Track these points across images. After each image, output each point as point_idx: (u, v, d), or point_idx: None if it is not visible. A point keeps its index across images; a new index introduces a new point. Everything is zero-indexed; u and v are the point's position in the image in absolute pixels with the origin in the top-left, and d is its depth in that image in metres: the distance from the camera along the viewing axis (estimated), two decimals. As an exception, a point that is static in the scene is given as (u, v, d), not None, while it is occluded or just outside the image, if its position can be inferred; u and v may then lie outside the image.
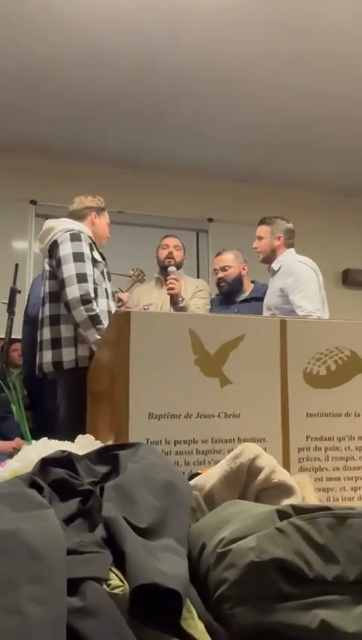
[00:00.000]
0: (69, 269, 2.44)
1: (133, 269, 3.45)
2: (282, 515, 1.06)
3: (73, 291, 2.40)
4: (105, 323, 2.38)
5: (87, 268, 2.46)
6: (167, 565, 0.87)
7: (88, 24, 3.49)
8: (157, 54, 3.75)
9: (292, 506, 1.08)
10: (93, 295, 2.42)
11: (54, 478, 1.21)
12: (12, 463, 1.54)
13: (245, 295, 3.50)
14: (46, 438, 1.69)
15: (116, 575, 0.84)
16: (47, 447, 1.55)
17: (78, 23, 3.49)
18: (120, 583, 0.83)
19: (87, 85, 4.06)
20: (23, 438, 2.11)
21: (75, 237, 2.52)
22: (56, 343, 2.48)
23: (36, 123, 4.52)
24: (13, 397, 1.82)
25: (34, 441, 1.71)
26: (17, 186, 4.81)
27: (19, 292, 3.00)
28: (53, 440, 1.66)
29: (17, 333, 3.21)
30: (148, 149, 4.90)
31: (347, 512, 1.04)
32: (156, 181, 5.14)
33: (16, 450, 1.76)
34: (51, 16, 3.43)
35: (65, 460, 1.28)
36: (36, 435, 1.74)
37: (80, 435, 1.75)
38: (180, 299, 3.19)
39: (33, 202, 4.94)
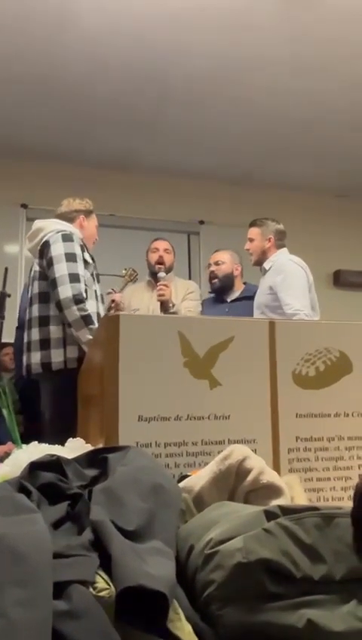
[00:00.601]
0: (61, 269, 2.43)
1: (125, 269, 3.45)
2: (269, 515, 1.06)
3: (65, 291, 2.39)
4: (97, 324, 2.38)
5: (80, 268, 2.46)
6: (153, 567, 0.87)
7: (83, 29, 3.49)
8: (148, 59, 3.76)
9: (280, 507, 1.09)
10: (85, 295, 2.42)
11: (43, 482, 1.21)
12: (2, 468, 1.54)
13: (236, 294, 3.52)
14: (36, 442, 1.70)
15: (102, 578, 0.85)
16: (37, 451, 1.56)
17: (74, 28, 3.49)
18: (106, 586, 0.83)
19: (79, 89, 4.06)
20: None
21: (67, 237, 2.52)
22: (45, 344, 2.47)
23: (27, 126, 4.51)
24: (3, 401, 1.82)
25: (24, 446, 1.71)
26: (8, 189, 4.80)
27: (9, 296, 3.00)
28: (44, 444, 1.66)
29: (7, 338, 3.20)
30: (140, 152, 4.90)
31: (334, 511, 1.05)
32: (147, 184, 5.14)
33: (7, 455, 1.76)
34: (48, 22, 3.43)
35: (54, 464, 1.28)
36: (28, 440, 1.74)
37: (70, 439, 1.75)
38: (170, 304, 3.20)
39: (24, 206, 4.93)
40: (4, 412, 1.98)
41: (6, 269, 3.06)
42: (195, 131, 4.60)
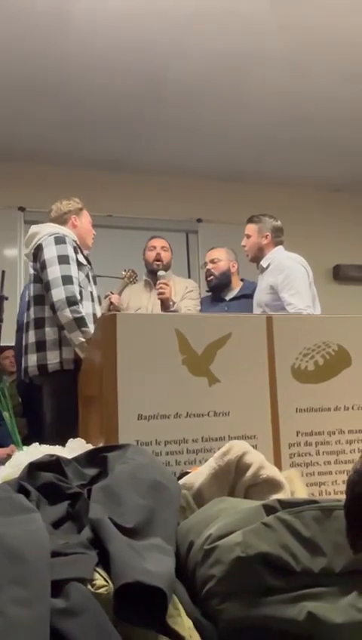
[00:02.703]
0: (54, 272, 2.45)
1: (125, 270, 3.46)
2: (269, 509, 1.06)
3: (59, 293, 2.41)
4: (91, 326, 2.39)
5: (72, 270, 2.48)
6: (152, 564, 0.88)
7: (80, 32, 3.49)
8: (143, 60, 3.76)
9: (279, 501, 1.09)
10: (79, 297, 2.43)
11: (43, 482, 1.21)
12: (3, 470, 1.55)
13: (234, 293, 3.51)
14: (37, 443, 1.70)
15: (101, 575, 0.85)
16: (38, 452, 1.56)
17: (71, 31, 3.49)
18: (104, 583, 0.83)
19: (75, 91, 4.06)
20: (17, 444, 2.11)
21: (60, 240, 2.54)
22: (40, 346, 2.48)
23: (24, 129, 4.51)
24: (3, 404, 1.82)
25: (25, 447, 1.72)
26: (5, 192, 4.81)
27: (7, 299, 3.00)
28: (44, 445, 1.67)
29: (6, 340, 3.21)
30: (136, 152, 4.90)
31: (333, 504, 1.05)
32: (144, 183, 5.15)
33: (9, 457, 1.77)
34: (45, 25, 3.43)
35: (54, 464, 1.29)
36: (31, 442, 1.75)
37: (70, 439, 1.76)
38: (171, 303, 3.19)
39: (22, 209, 4.94)
40: (5, 415, 1.99)
41: (3, 272, 3.07)
42: (191, 129, 4.59)
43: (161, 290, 3.18)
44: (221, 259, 3.51)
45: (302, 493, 1.42)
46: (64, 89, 4.04)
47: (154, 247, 3.40)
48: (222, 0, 3.33)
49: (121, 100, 4.20)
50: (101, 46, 3.64)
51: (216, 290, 3.52)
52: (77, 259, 2.53)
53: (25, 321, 2.62)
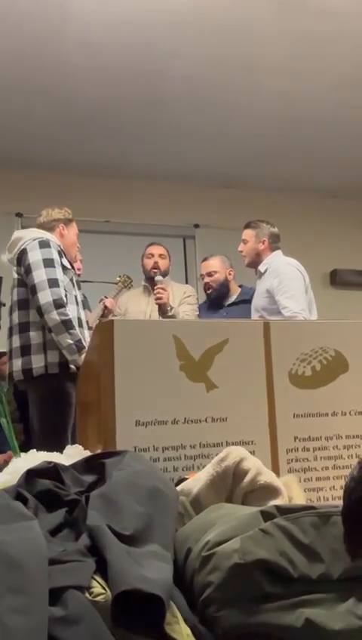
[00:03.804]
0: (39, 275, 2.44)
1: (119, 276, 3.46)
2: (266, 516, 1.06)
3: (45, 296, 2.40)
4: (77, 330, 2.39)
5: (58, 273, 2.47)
6: (150, 571, 0.87)
7: (77, 39, 3.50)
8: (138, 63, 3.77)
9: (277, 507, 1.09)
10: (65, 300, 2.43)
11: (40, 490, 1.21)
12: (1, 477, 1.55)
13: (233, 299, 3.52)
14: (34, 449, 1.70)
15: (98, 583, 0.85)
16: (35, 459, 1.56)
17: (68, 38, 3.49)
18: (102, 591, 0.83)
19: (72, 96, 4.07)
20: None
21: (44, 244, 2.53)
22: (25, 350, 2.47)
23: (21, 135, 4.52)
24: (0, 410, 1.82)
25: (23, 454, 1.72)
26: (3, 198, 4.80)
27: (4, 305, 3.00)
28: (42, 452, 1.67)
29: (3, 346, 3.20)
30: (133, 157, 4.91)
31: (330, 510, 1.05)
32: (141, 189, 5.15)
33: (6, 463, 1.76)
34: (42, 32, 3.43)
35: (51, 471, 1.28)
36: (29, 448, 1.74)
37: (69, 446, 1.75)
38: (168, 307, 3.20)
39: (19, 215, 4.93)
40: (2, 421, 1.98)
41: (0, 278, 3.06)
42: (188, 135, 4.60)
43: (158, 295, 3.19)
44: (217, 270, 3.52)
45: (299, 499, 1.42)
46: (62, 94, 4.05)
47: (152, 255, 3.40)
48: (222, 4, 3.34)
49: (120, 106, 4.21)
50: (100, 52, 3.65)
51: (217, 300, 3.52)
52: (61, 263, 2.53)
53: (9, 325, 2.60)
